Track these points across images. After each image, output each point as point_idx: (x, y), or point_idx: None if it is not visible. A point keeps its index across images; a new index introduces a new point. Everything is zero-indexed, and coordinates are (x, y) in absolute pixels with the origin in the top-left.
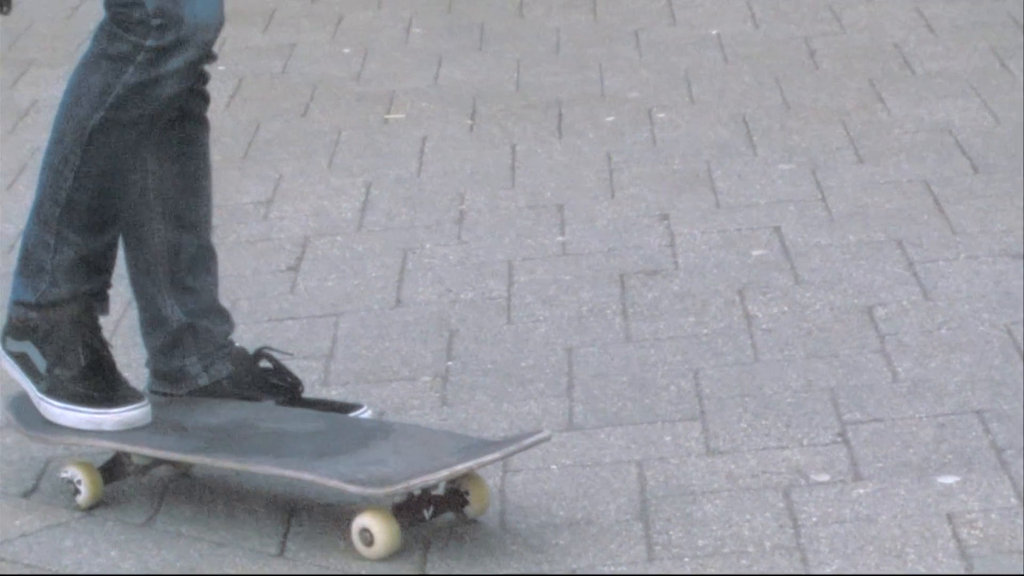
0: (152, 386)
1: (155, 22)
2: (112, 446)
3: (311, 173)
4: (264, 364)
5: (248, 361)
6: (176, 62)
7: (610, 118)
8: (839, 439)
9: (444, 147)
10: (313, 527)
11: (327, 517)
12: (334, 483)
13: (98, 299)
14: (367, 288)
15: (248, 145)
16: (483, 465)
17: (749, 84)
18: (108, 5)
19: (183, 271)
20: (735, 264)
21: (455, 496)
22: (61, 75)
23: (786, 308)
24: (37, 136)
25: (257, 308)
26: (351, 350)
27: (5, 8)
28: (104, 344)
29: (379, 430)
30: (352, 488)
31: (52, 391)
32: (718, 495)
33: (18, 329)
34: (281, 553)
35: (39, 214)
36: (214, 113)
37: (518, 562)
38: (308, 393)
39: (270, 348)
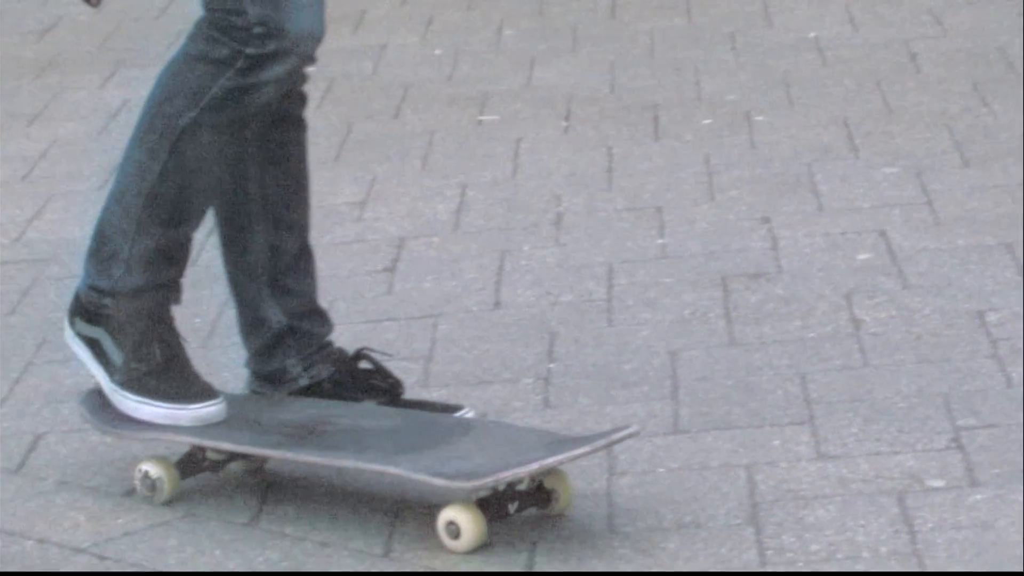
0: (252, 387)
1: (257, 31)
2: (189, 441)
3: (405, 174)
4: (364, 365)
5: (348, 362)
6: (275, 71)
7: (707, 121)
8: (953, 444)
9: (539, 149)
10: (418, 528)
11: (431, 518)
12: (420, 477)
13: (172, 290)
14: (465, 290)
15: (340, 146)
16: (572, 459)
17: (849, 87)
18: (209, 8)
19: (283, 273)
20: (840, 268)
21: (539, 492)
22: (151, 76)
23: (894, 312)
24: (128, 136)
25: (354, 309)
26: (450, 352)
27: (94, 0)
28: (178, 338)
29: (460, 427)
30: (439, 482)
31: (127, 384)
32: (830, 500)
33: (91, 314)
34: (386, 554)
35: (120, 202)
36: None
37: (627, 565)
38: (408, 395)
39: (370, 349)
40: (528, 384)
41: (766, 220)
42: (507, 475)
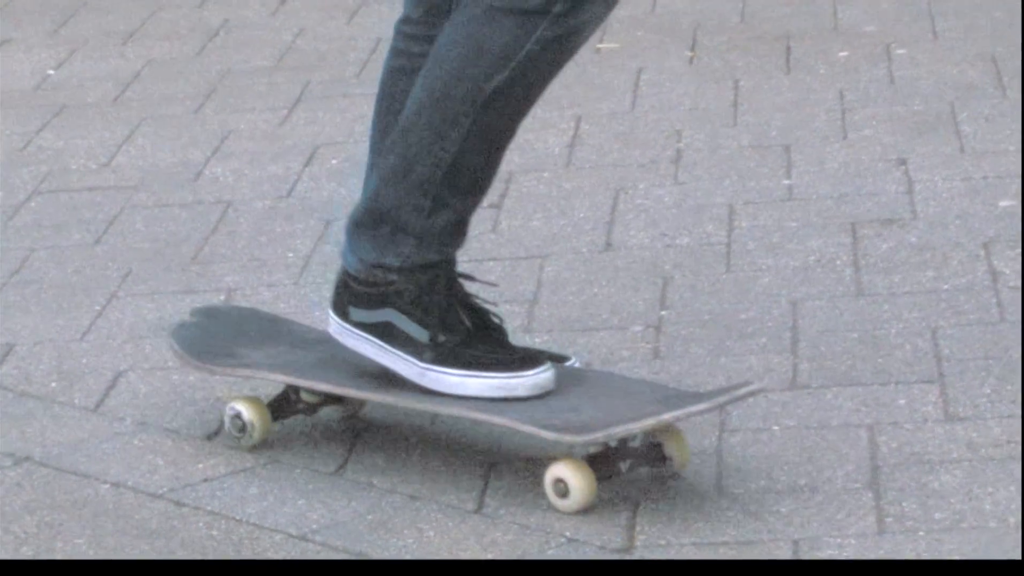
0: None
1: None
2: (283, 380)
3: None
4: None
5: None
6: (595, 9)
7: (843, 53)
8: None
9: (661, 81)
10: (513, 483)
11: (528, 472)
12: (528, 428)
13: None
14: (575, 229)
15: None
16: (690, 415)
17: (999, 20)
18: None
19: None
20: (980, 215)
21: (653, 449)
22: None
23: None
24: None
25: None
26: (557, 295)
27: None
28: (476, 298)
29: (572, 377)
30: (548, 434)
31: (442, 359)
32: (957, 465)
33: (372, 297)
34: (479, 509)
35: (406, 177)
36: None
37: (735, 529)
38: (512, 340)
39: (467, 275)
40: (638, 332)
41: (902, 162)
42: (619, 430)
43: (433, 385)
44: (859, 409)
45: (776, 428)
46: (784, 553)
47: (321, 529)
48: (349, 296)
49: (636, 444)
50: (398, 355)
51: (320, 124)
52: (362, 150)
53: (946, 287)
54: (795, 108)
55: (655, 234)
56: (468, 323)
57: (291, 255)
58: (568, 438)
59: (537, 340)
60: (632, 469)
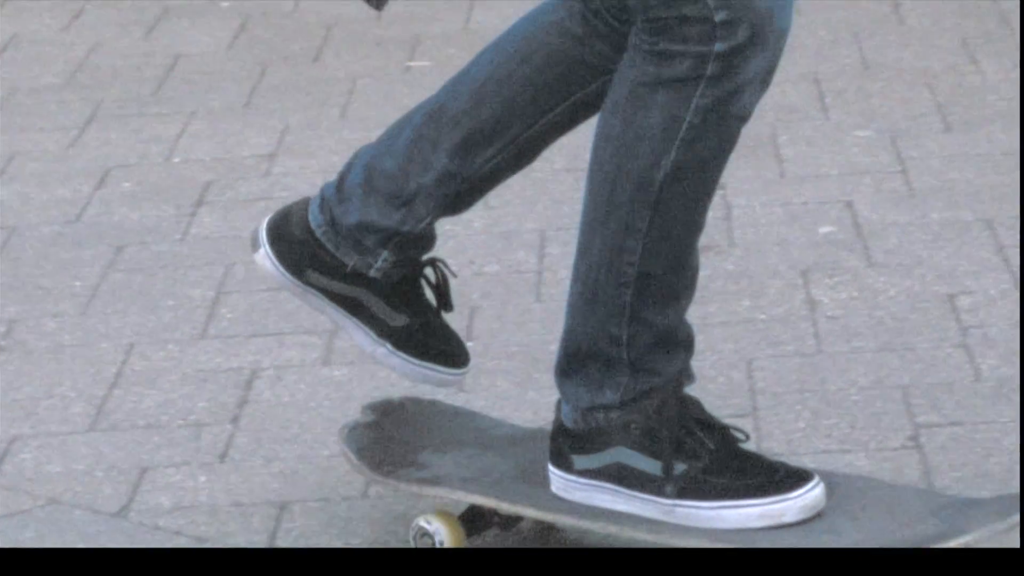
0: (315, 222)
1: (720, 16)
2: (486, 504)
3: (321, 125)
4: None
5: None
6: (756, 64)
7: None
8: (911, 443)
9: None
10: (305, 524)
11: (323, 514)
12: None
13: (687, 367)
14: None
15: (251, 92)
16: (986, 537)
17: (823, 39)
18: (646, 17)
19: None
20: (799, 242)
21: None
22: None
23: (855, 293)
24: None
25: (254, 275)
26: None
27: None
28: (713, 416)
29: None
30: None
31: (688, 492)
32: None
33: (596, 440)
34: None
35: (593, 309)
36: (215, 56)
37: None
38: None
39: (445, 264)
40: None
41: (720, 187)
42: None
43: (684, 522)
44: None
45: None
46: None
47: None
48: (569, 445)
49: None
50: (636, 497)
51: (113, 145)
52: (157, 172)
53: (763, 317)
54: None
55: (463, 261)
56: (710, 443)
57: (78, 284)
58: None
59: (336, 373)
60: None
